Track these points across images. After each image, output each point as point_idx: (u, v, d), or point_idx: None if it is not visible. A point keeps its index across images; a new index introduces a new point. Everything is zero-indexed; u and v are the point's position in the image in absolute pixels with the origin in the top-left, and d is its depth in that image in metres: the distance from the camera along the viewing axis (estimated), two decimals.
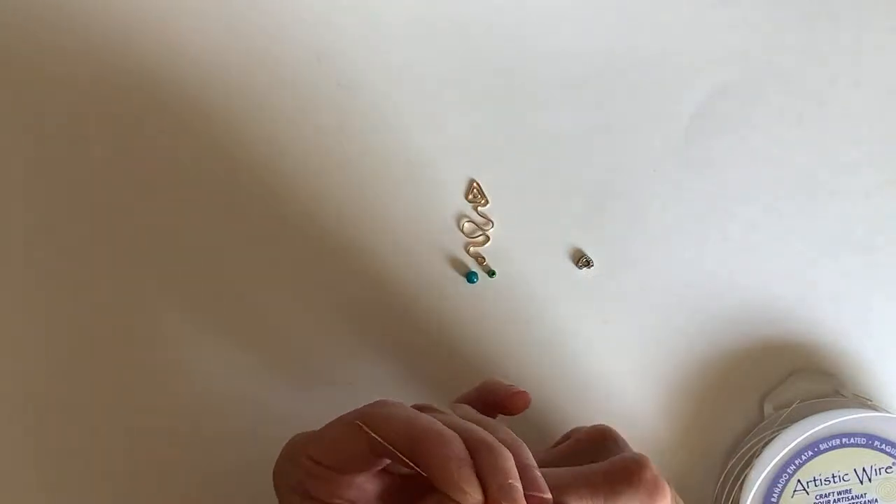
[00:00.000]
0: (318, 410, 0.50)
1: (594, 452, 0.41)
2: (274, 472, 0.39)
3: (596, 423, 0.44)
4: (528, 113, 0.51)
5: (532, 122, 0.51)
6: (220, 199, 0.51)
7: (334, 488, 0.37)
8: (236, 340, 0.51)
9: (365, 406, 0.37)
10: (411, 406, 0.38)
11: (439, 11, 0.52)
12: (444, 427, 0.35)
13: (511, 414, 0.42)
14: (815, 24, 0.51)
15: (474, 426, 0.36)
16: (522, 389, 0.42)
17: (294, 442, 0.39)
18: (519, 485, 0.34)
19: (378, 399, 0.38)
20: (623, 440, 0.42)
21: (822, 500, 0.47)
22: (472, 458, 0.34)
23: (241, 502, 0.50)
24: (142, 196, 0.51)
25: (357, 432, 0.36)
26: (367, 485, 0.37)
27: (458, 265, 0.51)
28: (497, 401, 0.43)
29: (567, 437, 0.44)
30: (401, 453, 0.35)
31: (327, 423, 0.38)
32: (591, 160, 0.51)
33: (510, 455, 0.35)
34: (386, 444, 0.35)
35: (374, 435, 0.35)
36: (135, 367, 0.50)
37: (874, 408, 0.48)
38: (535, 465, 0.36)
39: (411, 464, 0.35)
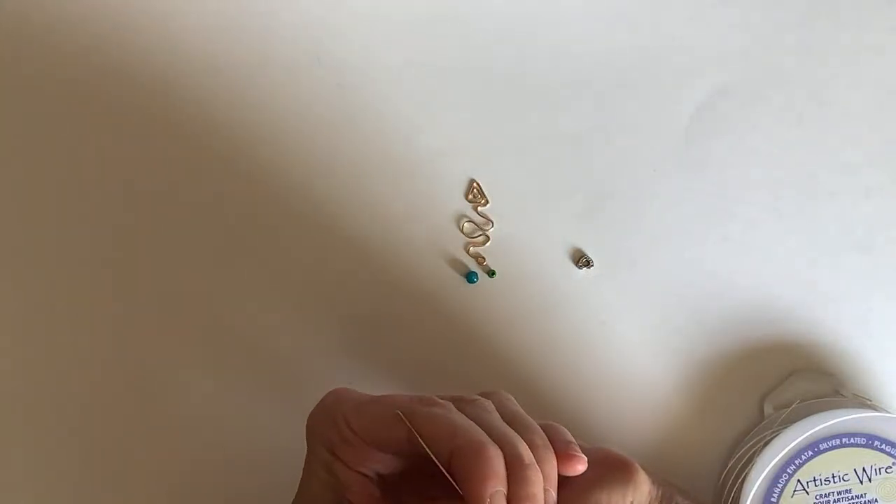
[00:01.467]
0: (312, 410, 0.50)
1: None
2: (309, 420, 0.40)
3: (587, 430, 0.45)
4: (528, 113, 0.51)
5: (532, 122, 0.51)
6: (219, 200, 0.51)
7: (363, 458, 0.38)
8: (235, 340, 0.51)
9: (414, 398, 0.38)
10: (446, 396, 0.39)
11: (439, 12, 0.52)
12: (488, 440, 0.36)
13: (561, 472, 0.39)
14: (815, 24, 0.51)
15: (514, 437, 0.37)
16: (582, 455, 0.39)
17: (337, 399, 0.39)
18: None
19: (426, 394, 0.38)
20: (580, 442, 0.42)
21: (822, 500, 0.46)
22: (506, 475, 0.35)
23: (239, 500, 0.50)
24: (141, 197, 0.51)
25: (400, 422, 0.36)
26: (395, 461, 0.38)
27: (458, 265, 0.51)
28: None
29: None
30: (439, 457, 0.35)
31: (375, 395, 0.39)
32: (591, 160, 0.51)
33: (541, 477, 0.36)
34: (425, 446, 0.35)
35: (416, 434, 0.36)
36: (133, 364, 0.50)
37: (874, 408, 0.48)
38: (556, 483, 0.37)
39: (445, 472, 0.35)
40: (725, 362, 0.50)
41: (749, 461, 0.47)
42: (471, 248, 0.51)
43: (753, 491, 0.46)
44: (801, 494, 0.47)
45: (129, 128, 0.51)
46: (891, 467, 0.46)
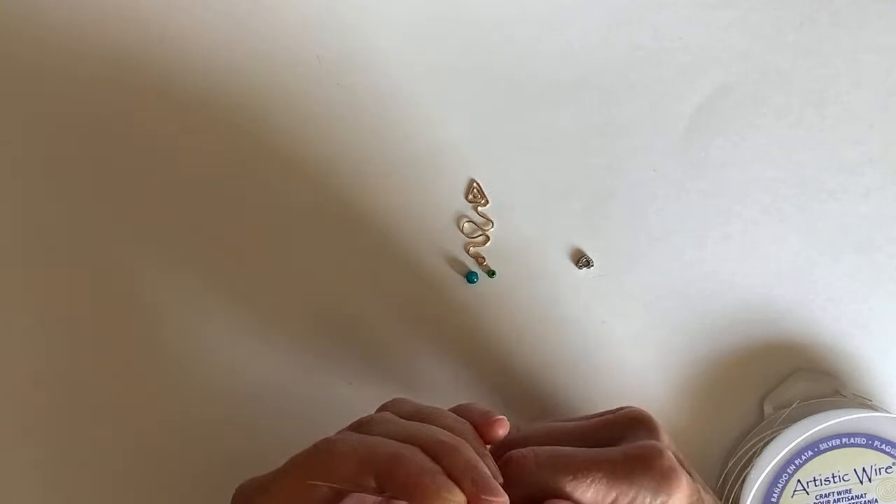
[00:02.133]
0: (317, 411, 0.50)
1: (623, 433, 0.40)
2: None
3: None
4: (527, 113, 0.51)
5: (532, 122, 0.51)
6: (218, 201, 0.51)
7: None
8: (236, 341, 0.51)
9: (312, 449, 0.37)
10: (347, 428, 0.38)
11: (439, 12, 0.52)
12: (400, 444, 0.35)
13: (488, 442, 0.38)
14: (815, 24, 0.51)
15: (424, 428, 0.36)
16: (499, 416, 0.38)
17: (245, 497, 0.38)
18: (486, 470, 0.35)
19: (322, 438, 0.37)
20: (657, 429, 0.41)
21: (822, 500, 0.47)
22: (437, 461, 0.35)
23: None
24: (143, 196, 0.51)
25: (313, 485, 0.35)
26: None
27: (458, 265, 0.51)
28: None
29: (613, 412, 0.43)
30: (366, 484, 0.35)
31: (274, 472, 0.37)
32: (591, 160, 0.51)
33: (467, 444, 0.36)
34: (348, 487, 0.35)
35: (333, 485, 0.35)
36: (135, 362, 0.50)
37: (874, 408, 0.48)
38: (484, 449, 0.37)
39: (381, 494, 0.34)
40: (725, 362, 0.50)
41: (749, 461, 0.47)
42: (471, 248, 0.51)
43: (753, 491, 0.46)
44: (801, 494, 0.47)
45: (128, 126, 0.51)
46: (891, 467, 0.46)
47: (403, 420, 0.38)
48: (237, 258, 0.51)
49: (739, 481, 0.47)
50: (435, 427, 0.37)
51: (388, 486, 0.34)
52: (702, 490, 0.40)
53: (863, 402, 0.48)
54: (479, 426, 0.38)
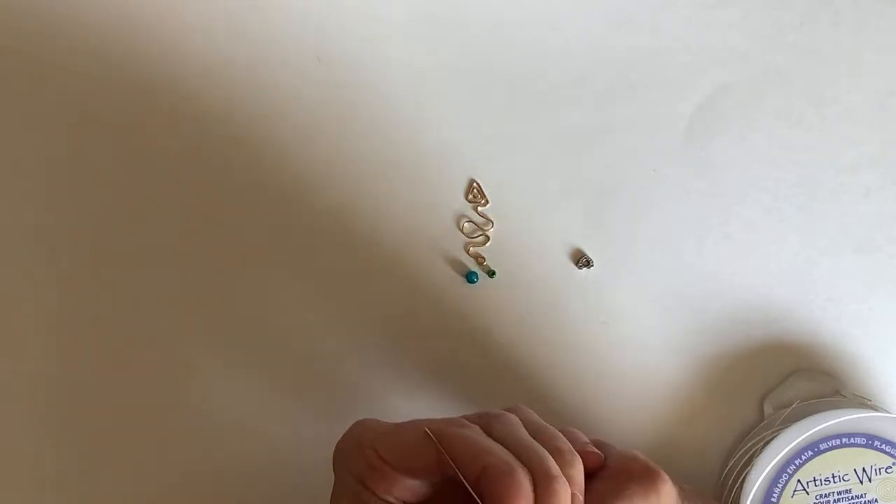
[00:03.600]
0: (317, 410, 0.50)
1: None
2: (336, 450, 0.40)
3: (588, 430, 0.44)
4: (528, 113, 0.51)
5: (532, 122, 0.51)
6: (217, 201, 0.51)
7: (391, 486, 0.38)
8: (236, 341, 0.51)
9: (442, 421, 0.38)
10: (472, 415, 0.39)
11: (439, 12, 0.52)
12: (513, 459, 0.36)
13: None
14: (815, 24, 0.51)
15: (542, 450, 0.37)
16: (597, 452, 0.40)
17: (363, 429, 0.39)
18: None
19: (453, 417, 0.38)
20: (608, 443, 0.42)
21: (822, 500, 0.47)
22: (533, 489, 0.35)
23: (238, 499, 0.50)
24: (142, 197, 0.51)
25: (429, 444, 0.36)
26: (422, 488, 0.38)
27: (458, 265, 0.51)
28: None
29: None
30: (467, 477, 0.35)
31: (402, 422, 0.39)
32: (591, 160, 0.51)
33: (568, 489, 0.36)
34: (455, 466, 0.36)
35: (446, 455, 0.36)
36: (135, 364, 0.50)
37: (874, 408, 0.48)
38: (583, 487, 0.37)
39: (472, 492, 0.35)
40: (725, 362, 0.50)
41: (749, 461, 0.47)
42: (471, 248, 0.51)
43: (753, 491, 0.46)
44: (801, 494, 0.47)
45: (128, 127, 0.51)
46: (891, 467, 0.46)
47: (525, 431, 0.39)
48: (236, 257, 0.51)
49: (739, 481, 0.47)
50: (549, 454, 0.37)
51: (484, 489, 0.35)
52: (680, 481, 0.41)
53: (863, 402, 0.48)
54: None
